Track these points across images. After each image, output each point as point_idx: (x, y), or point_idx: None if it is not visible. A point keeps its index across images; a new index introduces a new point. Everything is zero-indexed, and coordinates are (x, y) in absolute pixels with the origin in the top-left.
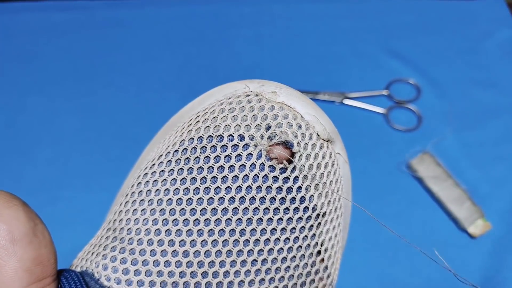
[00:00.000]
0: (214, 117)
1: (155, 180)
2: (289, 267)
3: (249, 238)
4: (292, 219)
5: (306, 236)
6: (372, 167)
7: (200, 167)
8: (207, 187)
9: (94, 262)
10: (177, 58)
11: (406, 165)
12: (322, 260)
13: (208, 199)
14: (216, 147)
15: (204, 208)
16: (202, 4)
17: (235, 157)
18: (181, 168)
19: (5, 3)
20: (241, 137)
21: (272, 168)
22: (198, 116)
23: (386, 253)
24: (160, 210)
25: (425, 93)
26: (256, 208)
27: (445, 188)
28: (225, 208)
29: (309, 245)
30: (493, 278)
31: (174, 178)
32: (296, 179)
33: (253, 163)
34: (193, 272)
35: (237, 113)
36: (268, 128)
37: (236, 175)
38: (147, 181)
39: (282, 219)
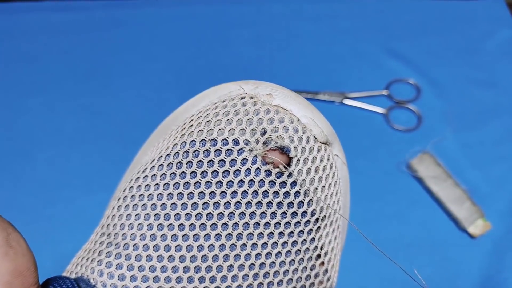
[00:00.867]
0: (208, 121)
1: (147, 185)
2: (287, 271)
3: (247, 242)
4: (290, 224)
5: (305, 240)
6: (372, 167)
7: (193, 171)
8: (201, 192)
9: (89, 268)
10: (177, 58)
11: (406, 165)
12: (322, 263)
13: (202, 204)
14: (210, 151)
15: (199, 213)
16: (202, 4)
17: (230, 162)
18: (173, 173)
19: (5, 3)
20: (236, 142)
21: (269, 173)
22: (192, 120)
23: (386, 253)
24: (155, 215)
25: (425, 93)
26: (253, 212)
27: (445, 188)
28: (221, 212)
29: (308, 249)
30: (493, 278)
31: (167, 183)
32: (293, 183)
33: (248, 168)
34: (190, 277)
35: (232, 117)
36: (263, 132)
37: (231, 180)
38: (139, 186)
39: (280, 223)
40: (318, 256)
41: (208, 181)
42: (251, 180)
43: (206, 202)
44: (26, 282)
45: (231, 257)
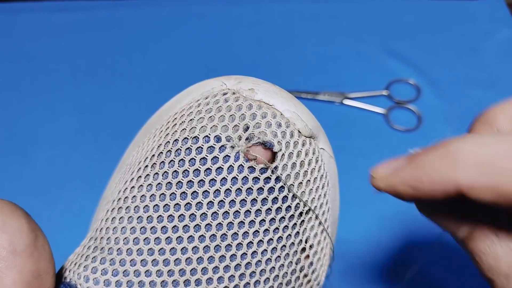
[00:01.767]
0: (190, 119)
1: (133, 187)
2: (274, 267)
3: (232, 242)
4: (274, 220)
5: (290, 234)
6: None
7: (175, 171)
8: (183, 192)
9: (76, 273)
10: (177, 58)
11: None
12: (307, 256)
13: (185, 205)
14: (191, 149)
15: (182, 214)
16: (202, 4)
17: (211, 159)
18: (156, 173)
19: (5, 3)
20: (218, 138)
21: (252, 169)
22: (175, 118)
23: (386, 254)
24: (138, 218)
25: (425, 93)
26: (237, 211)
27: None
28: (204, 213)
29: (293, 243)
30: None
31: (150, 184)
32: (278, 179)
33: (230, 165)
34: (175, 281)
35: (214, 114)
36: (246, 128)
37: (213, 179)
38: (126, 188)
39: (265, 220)
40: (303, 249)
41: (190, 181)
42: (234, 177)
43: (188, 203)
44: (43, 284)
45: (216, 259)
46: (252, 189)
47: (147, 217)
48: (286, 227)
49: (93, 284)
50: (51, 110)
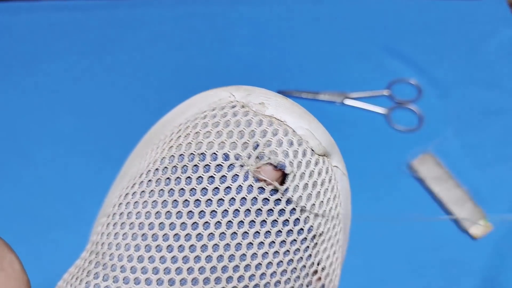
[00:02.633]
0: (196, 132)
1: (136, 202)
2: None
3: (239, 263)
4: (285, 242)
5: (301, 257)
6: (373, 168)
7: (181, 188)
8: (190, 211)
9: None
10: (177, 58)
11: (407, 166)
12: (319, 279)
13: (192, 224)
14: (198, 166)
15: (189, 234)
16: (201, 4)
17: (220, 178)
18: (161, 189)
19: (5, 3)
20: (226, 156)
21: (262, 190)
22: (180, 130)
23: (387, 255)
24: (142, 235)
25: (426, 93)
26: (245, 232)
27: (446, 189)
28: (211, 233)
29: (304, 266)
30: (495, 279)
31: (155, 200)
32: (289, 201)
33: (239, 185)
34: None
35: (222, 128)
36: (256, 146)
37: (221, 198)
38: (128, 202)
39: (275, 242)
40: (315, 272)
41: (197, 199)
42: (243, 197)
43: (196, 222)
44: None
45: (223, 280)
46: (262, 210)
47: (152, 235)
48: (297, 250)
49: None
50: (51, 110)
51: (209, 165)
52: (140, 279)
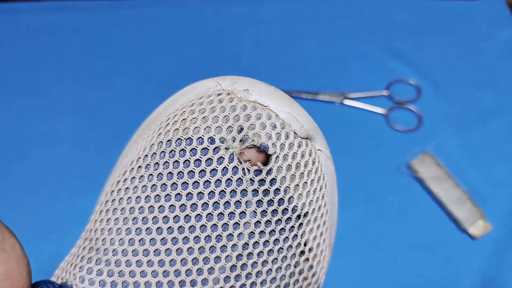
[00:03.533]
0: (183, 119)
1: (127, 188)
2: (270, 269)
3: (226, 243)
4: (270, 222)
5: (287, 237)
6: (373, 168)
7: (169, 172)
8: (178, 194)
9: (72, 274)
10: (177, 58)
11: (407, 166)
12: (307, 259)
13: (180, 206)
14: (185, 150)
15: (177, 216)
16: (201, 4)
17: (206, 161)
18: (151, 174)
19: (5, 3)
20: (212, 140)
21: (247, 171)
22: (168, 119)
23: (387, 255)
24: (133, 219)
25: (425, 93)
26: (232, 212)
27: (446, 189)
28: (199, 214)
29: (291, 246)
30: (494, 279)
31: (145, 185)
32: (273, 181)
33: (225, 166)
34: (170, 281)
35: (208, 114)
36: (240, 130)
37: (207, 180)
38: (120, 189)
39: (260, 222)
40: (302, 252)
41: (185, 182)
42: (229, 179)
43: (183, 204)
44: (15, 286)
45: (211, 259)
46: (247, 191)
47: (142, 218)
48: (283, 229)
49: (88, 284)
50: (51, 110)
51: (196, 149)
52: (131, 262)
